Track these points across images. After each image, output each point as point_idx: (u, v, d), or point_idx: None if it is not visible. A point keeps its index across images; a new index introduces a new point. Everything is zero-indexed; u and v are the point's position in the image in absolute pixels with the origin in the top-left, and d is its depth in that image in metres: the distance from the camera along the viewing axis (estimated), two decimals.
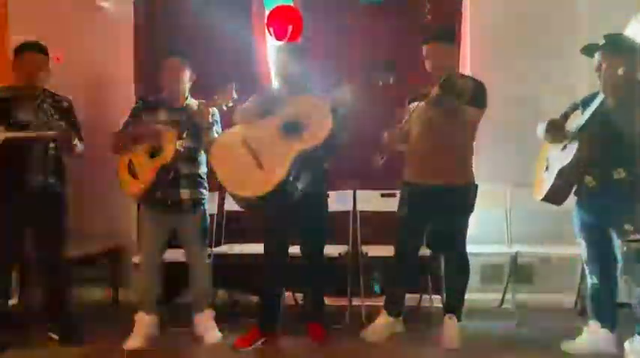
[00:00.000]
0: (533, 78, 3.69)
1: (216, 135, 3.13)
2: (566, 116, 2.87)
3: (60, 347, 3.08)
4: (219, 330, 3.18)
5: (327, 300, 3.33)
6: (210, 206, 3.58)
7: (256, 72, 3.87)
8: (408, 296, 3.32)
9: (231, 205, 3.46)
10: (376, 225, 3.67)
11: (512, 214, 3.69)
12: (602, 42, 2.69)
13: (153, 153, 3.01)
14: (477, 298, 3.60)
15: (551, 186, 2.74)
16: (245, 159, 2.86)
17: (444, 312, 3.11)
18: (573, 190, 2.82)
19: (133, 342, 3.06)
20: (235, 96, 2.94)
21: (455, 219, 3.03)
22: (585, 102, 2.74)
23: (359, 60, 3.70)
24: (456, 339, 3.00)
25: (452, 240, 3.08)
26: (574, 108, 2.83)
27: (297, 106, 2.89)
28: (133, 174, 3.06)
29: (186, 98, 3.22)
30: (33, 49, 3.09)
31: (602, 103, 2.55)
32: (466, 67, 3.69)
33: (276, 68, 3.15)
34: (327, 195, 3.22)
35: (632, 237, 2.62)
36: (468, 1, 3.80)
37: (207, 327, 3.17)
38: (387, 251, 3.31)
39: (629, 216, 2.63)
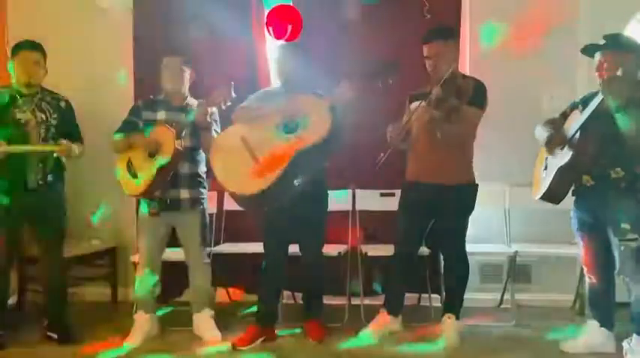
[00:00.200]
0: (532, 77, 3.69)
1: (215, 134, 3.14)
2: (565, 115, 2.87)
3: (59, 346, 3.08)
4: (218, 329, 3.18)
5: (326, 299, 3.34)
6: (210, 205, 3.59)
7: (256, 71, 3.87)
8: (407, 295, 3.32)
9: (230, 205, 3.47)
10: (375, 225, 3.67)
11: (511, 214, 3.69)
12: (602, 42, 2.69)
13: (152, 153, 3.01)
14: (476, 297, 3.61)
15: (550, 184, 2.75)
16: (243, 158, 2.86)
17: (443, 311, 3.12)
18: (571, 189, 2.82)
19: (133, 341, 3.06)
20: (234, 95, 2.95)
21: (455, 218, 3.04)
22: (585, 102, 2.75)
23: (358, 59, 3.69)
24: (454, 338, 3.01)
25: (452, 240, 3.08)
26: (573, 107, 2.84)
27: (295, 105, 2.89)
28: (133, 174, 3.07)
29: (186, 97, 3.23)
30: (28, 48, 3.10)
31: (601, 103, 2.56)
32: (465, 67, 3.69)
33: (276, 67, 3.15)
34: (327, 194, 3.22)
35: (629, 236, 2.63)
36: (468, 1, 3.80)
37: (207, 327, 3.17)
38: (386, 250, 3.31)
39: (627, 216, 2.64)
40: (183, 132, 3.04)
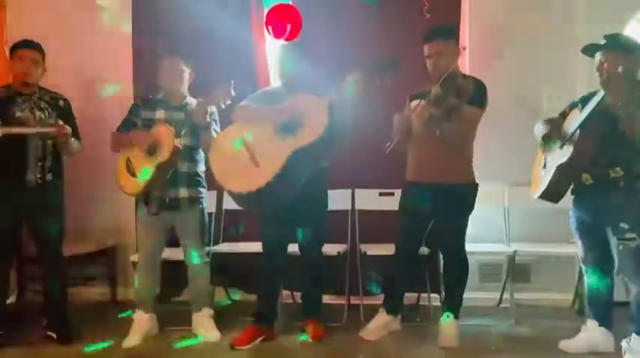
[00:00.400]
0: (532, 77, 3.69)
1: (214, 133, 3.14)
2: (564, 115, 2.87)
3: (58, 345, 3.08)
4: (218, 329, 3.18)
5: (325, 299, 3.34)
6: (209, 205, 3.59)
7: (255, 70, 3.87)
8: (406, 294, 3.32)
9: (230, 204, 3.47)
10: (375, 224, 3.67)
11: (511, 213, 3.70)
12: (602, 42, 2.69)
13: (151, 152, 3.01)
14: (475, 296, 3.61)
15: (549, 183, 2.75)
16: (242, 157, 2.86)
17: (442, 311, 3.12)
18: (570, 188, 2.83)
19: (132, 341, 3.06)
20: (233, 94, 2.95)
21: (455, 218, 3.04)
22: (584, 101, 2.75)
23: (358, 58, 3.69)
24: (453, 338, 3.01)
25: (452, 239, 3.08)
26: (573, 106, 2.84)
27: (294, 105, 2.89)
28: (132, 173, 3.07)
29: (185, 97, 3.23)
30: (27, 46, 3.11)
31: (601, 101, 2.56)
32: (465, 66, 3.69)
33: (277, 67, 3.15)
34: (327, 194, 3.22)
35: (628, 235, 2.63)
36: (468, 0, 3.80)
37: (206, 326, 3.17)
38: (385, 250, 3.32)
39: (626, 215, 2.64)
40: (183, 131, 3.04)
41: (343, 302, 3.57)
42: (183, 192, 3.13)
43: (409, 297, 3.56)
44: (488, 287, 3.79)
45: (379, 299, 3.35)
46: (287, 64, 3.08)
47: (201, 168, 3.24)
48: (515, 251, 3.45)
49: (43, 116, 3.12)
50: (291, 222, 3.08)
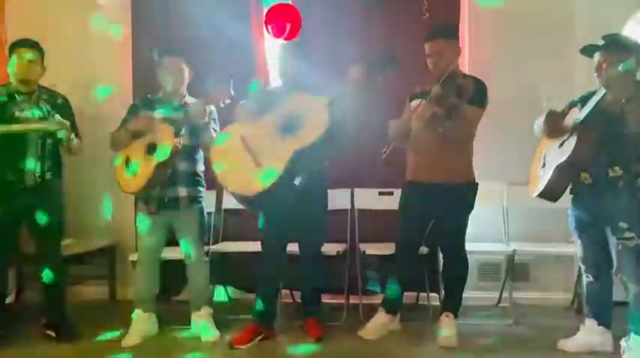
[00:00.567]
0: (531, 76, 3.69)
1: (213, 133, 3.14)
2: (563, 114, 2.87)
3: (57, 344, 3.08)
4: (217, 328, 3.19)
5: (324, 298, 3.34)
6: (209, 204, 3.59)
7: (255, 70, 3.86)
8: (405, 293, 3.32)
9: (229, 203, 3.47)
10: (374, 224, 3.67)
11: (510, 213, 3.70)
12: (601, 42, 2.70)
13: (150, 151, 3.01)
14: (474, 296, 3.61)
15: (548, 182, 2.75)
16: (243, 158, 2.86)
17: (442, 310, 3.12)
18: (569, 187, 2.83)
19: (131, 340, 3.06)
20: (232, 93, 2.94)
21: (455, 217, 3.04)
22: (584, 101, 2.75)
23: (358, 57, 3.69)
24: (453, 337, 3.01)
25: (452, 239, 3.09)
26: (572, 105, 2.84)
27: (294, 104, 2.89)
28: (131, 172, 3.06)
29: (184, 96, 3.23)
30: (25, 45, 3.12)
31: (601, 100, 2.56)
32: (464, 65, 3.69)
33: (278, 66, 3.15)
34: (327, 193, 3.22)
35: (627, 234, 2.63)
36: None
37: (205, 325, 3.17)
38: (385, 249, 3.32)
39: (625, 214, 2.64)
40: (182, 131, 3.03)
41: (342, 301, 3.57)
42: (183, 192, 3.13)
43: (408, 296, 3.56)
44: (487, 286, 3.79)
45: (378, 299, 3.35)
46: (287, 63, 3.08)
47: (200, 167, 3.24)
48: (515, 250, 3.45)
49: (42, 115, 3.12)
50: (291, 221, 3.07)
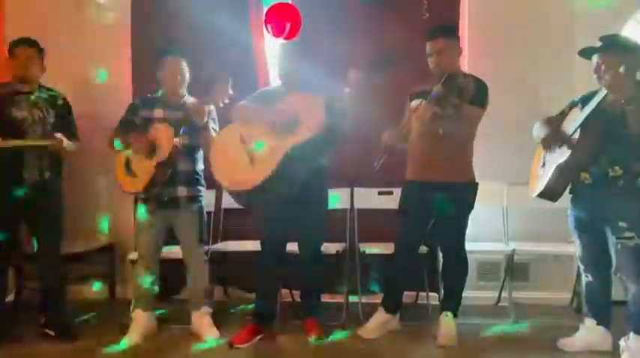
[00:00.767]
0: (531, 76, 3.69)
1: (213, 132, 3.14)
2: (563, 114, 2.88)
3: (56, 343, 3.08)
4: (216, 328, 3.18)
5: (324, 297, 3.34)
6: (208, 203, 3.59)
7: (254, 69, 3.86)
8: (405, 293, 3.33)
9: (229, 203, 3.46)
10: (374, 223, 3.67)
11: (509, 212, 3.70)
12: (598, 44, 2.70)
13: (150, 151, 3.01)
14: (474, 295, 3.61)
15: (548, 182, 2.75)
16: (240, 156, 2.86)
17: (441, 309, 3.12)
18: (569, 187, 2.83)
19: (130, 339, 3.05)
20: (231, 92, 2.94)
21: (455, 217, 3.04)
22: (584, 100, 2.75)
23: (357, 57, 3.69)
24: (452, 337, 3.01)
25: (452, 238, 3.09)
26: (572, 106, 2.84)
27: (292, 103, 2.89)
28: (131, 171, 3.06)
29: (183, 96, 3.22)
30: (23, 44, 3.12)
31: (602, 101, 2.56)
32: (464, 65, 3.69)
33: (277, 66, 3.15)
34: (327, 193, 3.22)
35: (626, 234, 2.63)
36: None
37: (205, 325, 3.17)
38: (384, 248, 3.32)
39: (624, 214, 2.64)
40: (181, 130, 3.03)
41: (342, 300, 3.57)
42: (182, 191, 3.13)
43: (408, 296, 3.56)
44: (486, 286, 3.80)
45: (378, 298, 3.35)
46: (285, 62, 3.08)
47: (200, 166, 3.24)
48: (514, 250, 3.46)
49: (41, 115, 3.12)
50: (291, 221, 3.08)
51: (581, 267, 2.93)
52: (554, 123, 2.84)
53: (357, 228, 3.67)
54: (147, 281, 3.17)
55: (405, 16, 3.74)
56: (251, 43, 3.86)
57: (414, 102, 3.01)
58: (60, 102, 3.23)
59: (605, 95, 2.58)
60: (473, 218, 3.10)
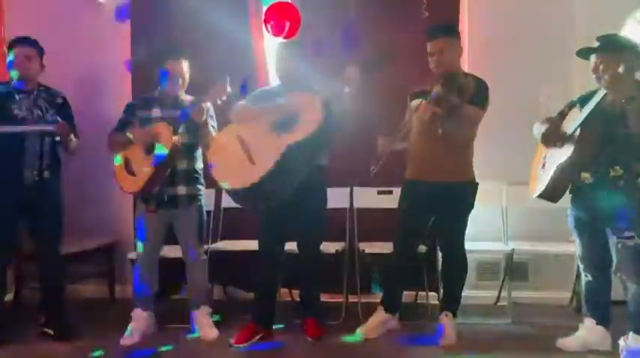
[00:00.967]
0: (530, 76, 3.69)
1: (211, 129, 3.13)
2: (563, 114, 2.88)
3: (56, 343, 3.07)
4: (216, 327, 3.18)
5: (323, 297, 3.34)
6: (208, 203, 3.59)
7: (254, 68, 3.86)
8: (404, 292, 3.33)
9: (228, 202, 3.46)
10: (373, 222, 3.67)
11: (509, 212, 3.70)
12: (596, 44, 2.70)
13: (149, 150, 3.01)
14: (473, 295, 3.62)
15: (548, 183, 2.75)
16: (239, 156, 2.86)
17: (440, 309, 3.12)
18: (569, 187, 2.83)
19: (130, 339, 3.06)
20: (229, 90, 2.94)
21: (455, 216, 3.04)
22: (583, 100, 2.75)
23: (356, 56, 3.69)
24: (451, 336, 3.01)
25: (451, 238, 3.09)
26: (571, 105, 2.85)
27: (290, 102, 2.89)
28: (130, 171, 3.06)
29: (180, 94, 3.21)
30: (22, 43, 3.12)
31: (601, 100, 2.56)
32: (464, 65, 3.69)
33: (275, 65, 3.15)
34: (326, 192, 3.22)
35: (626, 234, 2.63)
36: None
37: (204, 324, 3.17)
38: (384, 248, 3.32)
39: (625, 214, 2.64)
40: (180, 129, 3.03)
41: (341, 300, 3.57)
42: (182, 190, 3.13)
43: (407, 295, 3.56)
44: (486, 285, 3.80)
45: (377, 298, 3.35)
46: (284, 62, 3.07)
47: (199, 165, 3.24)
48: (513, 249, 3.46)
49: (40, 114, 3.12)
50: (290, 220, 3.07)
51: (581, 267, 2.93)
52: (554, 123, 2.84)
53: (357, 227, 3.67)
54: (146, 280, 3.17)
55: (405, 15, 3.73)
56: (251, 41, 3.86)
57: (414, 102, 3.01)
58: (59, 100, 3.23)
59: (604, 95, 2.58)
60: (472, 217, 3.10)
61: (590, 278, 2.88)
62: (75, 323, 3.22)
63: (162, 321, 3.29)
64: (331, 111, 2.81)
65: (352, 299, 3.58)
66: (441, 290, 3.27)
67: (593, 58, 2.71)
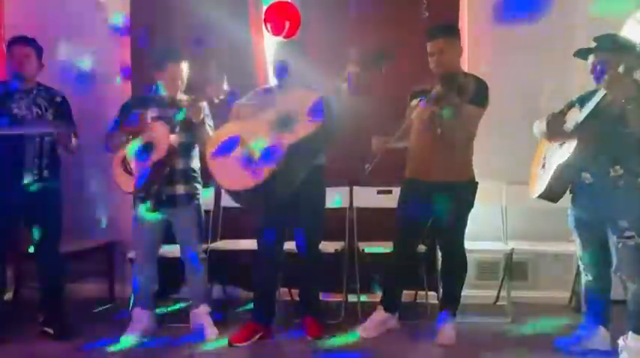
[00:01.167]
0: (531, 76, 3.69)
1: (208, 128, 3.13)
2: (562, 114, 2.87)
3: (55, 341, 3.07)
4: (215, 326, 3.18)
5: (322, 296, 3.34)
6: (207, 202, 3.59)
7: (253, 68, 3.86)
8: (403, 292, 3.33)
9: (228, 201, 3.46)
10: (372, 222, 3.68)
11: (508, 211, 3.71)
12: (594, 44, 2.70)
13: (147, 149, 3.00)
14: (472, 294, 3.62)
15: (549, 183, 2.75)
16: (239, 156, 2.86)
17: (440, 308, 3.12)
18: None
19: (130, 338, 3.05)
20: (226, 88, 2.93)
21: (454, 216, 3.04)
22: (582, 100, 2.75)
23: (354, 57, 3.69)
24: (451, 335, 3.01)
25: (451, 237, 3.09)
26: (571, 105, 2.84)
27: (290, 101, 2.89)
28: (128, 171, 3.05)
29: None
30: (20, 42, 3.13)
31: (601, 100, 2.56)
32: (464, 65, 3.69)
33: (273, 65, 3.14)
34: (324, 191, 3.22)
35: (627, 233, 2.63)
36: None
37: (204, 323, 3.17)
38: (383, 247, 3.32)
39: (625, 213, 2.64)
40: (177, 128, 3.03)
41: (341, 299, 3.57)
42: (180, 189, 3.12)
43: (407, 295, 3.56)
44: (485, 285, 3.80)
45: (377, 297, 3.35)
46: (282, 61, 3.07)
47: (197, 164, 3.23)
48: (513, 249, 3.46)
49: (40, 112, 3.12)
50: (289, 220, 3.07)
51: (582, 266, 2.93)
52: (558, 116, 2.83)
53: (357, 226, 3.67)
54: (146, 279, 3.17)
55: (405, 15, 3.73)
56: (250, 41, 3.85)
57: (415, 102, 3.01)
58: (58, 99, 3.22)
59: (604, 95, 2.58)
60: (472, 217, 3.10)
61: (590, 277, 2.88)
62: (74, 322, 3.21)
63: (162, 320, 3.29)
64: (331, 109, 2.81)
65: (352, 298, 3.59)
66: (441, 290, 3.28)
67: (591, 58, 2.71)
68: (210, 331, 3.15)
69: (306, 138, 2.77)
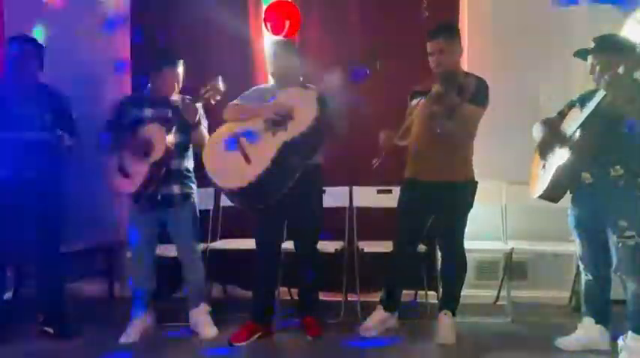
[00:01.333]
0: (530, 75, 3.69)
1: (204, 129, 3.13)
2: (562, 114, 2.88)
3: (55, 341, 3.08)
4: (215, 325, 3.18)
5: (322, 295, 3.34)
6: (206, 202, 3.59)
7: (252, 67, 3.86)
8: (403, 291, 3.33)
9: (227, 201, 3.46)
10: (372, 221, 3.68)
11: (508, 211, 3.70)
12: (592, 45, 2.70)
13: (146, 154, 3.00)
14: (472, 294, 3.62)
15: (549, 183, 2.75)
16: (234, 155, 2.86)
17: (440, 308, 3.12)
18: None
19: (129, 337, 3.06)
20: (222, 89, 2.93)
21: (454, 215, 3.04)
22: (582, 100, 2.75)
23: (355, 56, 3.70)
24: (451, 335, 3.02)
25: (451, 237, 3.09)
26: (571, 105, 2.85)
27: (284, 99, 2.89)
28: (125, 173, 3.05)
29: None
30: (20, 41, 3.13)
31: (602, 101, 2.56)
32: (463, 65, 3.69)
33: (269, 64, 3.14)
34: (322, 191, 3.22)
35: (627, 233, 2.63)
36: None
37: (203, 323, 3.17)
38: (383, 247, 3.32)
39: (625, 213, 2.64)
40: (172, 129, 3.03)
41: (340, 299, 3.57)
42: (176, 189, 3.13)
43: (406, 294, 3.57)
44: (485, 284, 3.80)
45: (376, 296, 3.35)
46: (277, 60, 3.07)
47: (191, 164, 3.24)
48: (513, 248, 3.46)
49: (40, 112, 3.11)
50: (287, 219, 3.07)
51: (582, 266, 2.93)
52: (554, 124, 2.84)
53: (356, 226, 3.67)
54: (144, 279, 3.17)
55: (405, 15, 3.73)
56: (250, 40, 3.85)
57: (415, 102, 3.01)
58: (58, 99, 3.22)
59: (604, 95, 2.58)
60: (472, 216, 3.10)
61: (590, 277, 2.88)
62: (74, 321, 3.22)
63: (161, 320, 3.29)
64: (326, 106, 2.81)
65: (351, 297, 3.59)
66: (441, 289, 3.28)
67: (590, 59, 2.71)
68: (210, 330, 3.15)
69: (301, 135, 2.76)
